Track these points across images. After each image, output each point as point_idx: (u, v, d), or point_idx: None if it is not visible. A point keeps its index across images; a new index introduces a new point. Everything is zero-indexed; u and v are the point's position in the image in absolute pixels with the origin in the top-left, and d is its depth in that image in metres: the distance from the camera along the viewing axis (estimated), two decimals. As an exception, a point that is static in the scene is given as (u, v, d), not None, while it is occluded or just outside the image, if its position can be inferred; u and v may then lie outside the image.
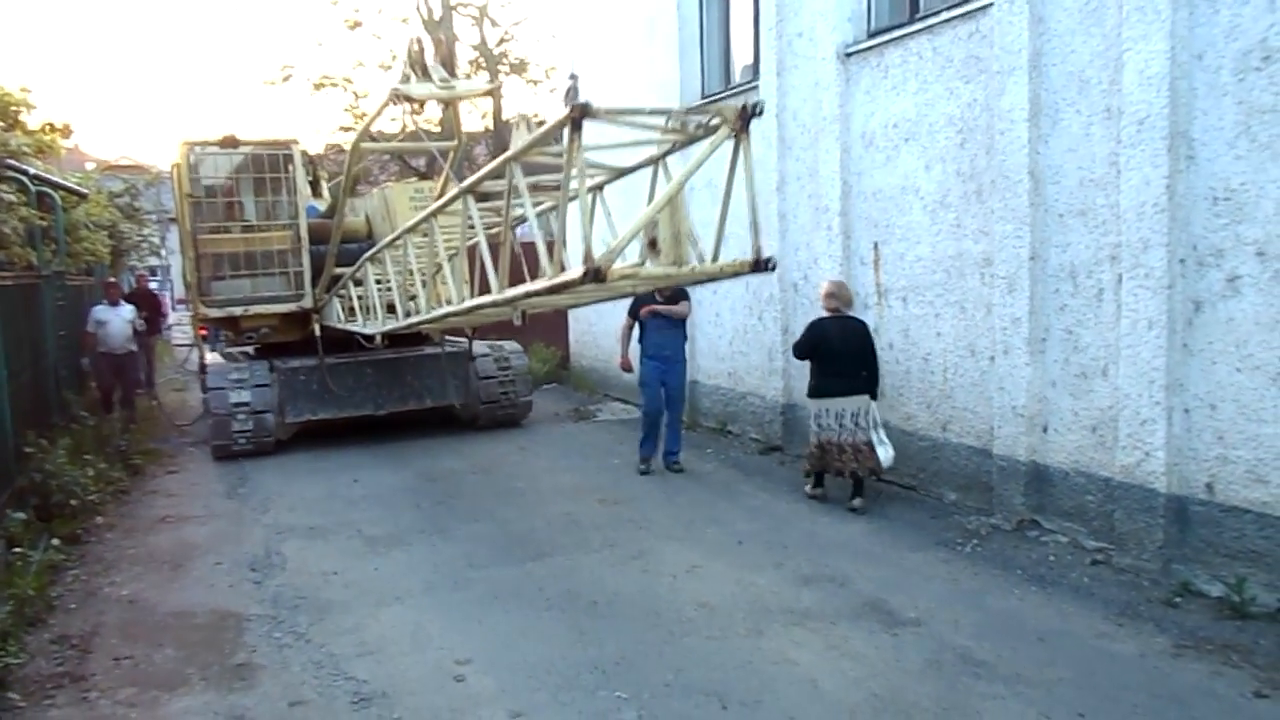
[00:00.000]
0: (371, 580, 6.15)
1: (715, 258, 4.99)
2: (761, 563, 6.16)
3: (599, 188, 6.29)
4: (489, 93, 8.22)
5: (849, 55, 8.11)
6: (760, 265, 5.04)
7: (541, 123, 4.95)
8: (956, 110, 7.06)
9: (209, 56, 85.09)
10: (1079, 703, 4.15)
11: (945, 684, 4.39)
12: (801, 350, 7.67)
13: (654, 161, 5.47)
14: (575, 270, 4.43)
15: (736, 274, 5.13)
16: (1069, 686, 4.31)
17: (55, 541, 6.71)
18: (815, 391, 7.55)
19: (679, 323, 8.82)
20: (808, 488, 7.84)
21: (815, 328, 7.57)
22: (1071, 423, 6.25)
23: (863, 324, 7.58)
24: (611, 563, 6.30)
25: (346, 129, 23.05)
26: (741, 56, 10.50)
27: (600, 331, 13.91)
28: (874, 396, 7.37)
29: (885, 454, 7.24)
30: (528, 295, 5.13)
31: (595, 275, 4.24)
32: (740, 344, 10.22)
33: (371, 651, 5.00)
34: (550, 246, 4.80)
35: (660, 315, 8.68)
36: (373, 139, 9.79)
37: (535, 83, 24.93)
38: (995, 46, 6.56)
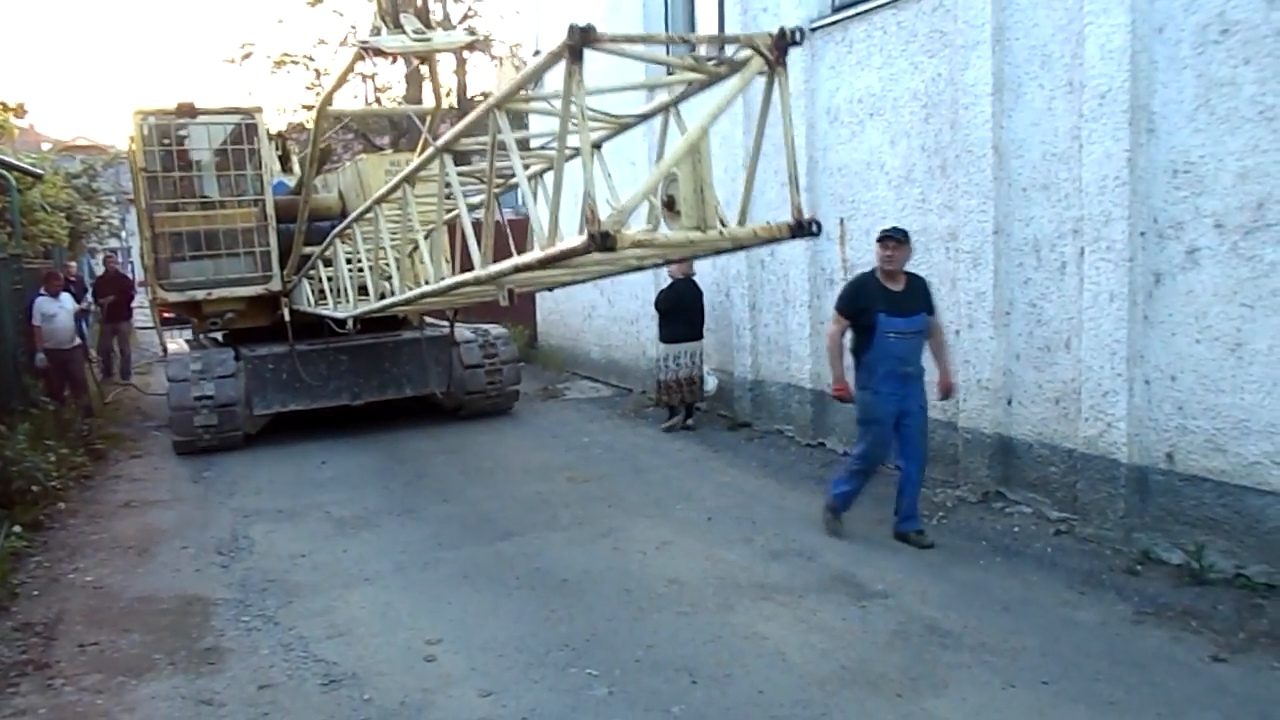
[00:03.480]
0: (340, 562, 6.11)
1: (743, 220, 4.26)
2: (731, 538, 6.19)
3: (597, 145, 5.51)
4: (470, 46, 7.26)
5: (814, 30, 8.09)
6: (802, 228, 4.16)
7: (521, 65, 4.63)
8: (921, 85, 7.07)
9: (168, 35, 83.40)
10: (1043, 670, 4.22)
11: (912, 654, 4.45)
12: (661, 305, 9.68)
13: (664, 109, 4.76)
14: (577, 238, 3.68)
15: (772, 240, 4.33)
16: (1033, 654, 4.38)
17: (17, 528, 6.61)
18: (668, 339, 9.55)
19: (923, 328, 5.87)
20: (663, 425, 9.73)
21: (673, 289, 9.54)
22: (1035, 395, 6.32)
23: (698, 287, 9.58)
24: (581, 540, 6.30)
25: (309, 107, 22.71)
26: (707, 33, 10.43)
27: (568, 310, 13.88)
28: (701, 341, 9.59)
29: (711, 384, 9.80)
30: (517, 270, 4.43)
31: (603, 242, 3.48)
32: (709, 320, 10.20)
33: (341, 633, 4.98)
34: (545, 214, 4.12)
35: (900, 315, 5.78)
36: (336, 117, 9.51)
37: (499, 60, 24.67)
38: (959, 21, 6.57)
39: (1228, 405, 5.07)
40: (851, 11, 7.69)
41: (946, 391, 6.07)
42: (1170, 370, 5.38)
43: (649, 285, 10.53)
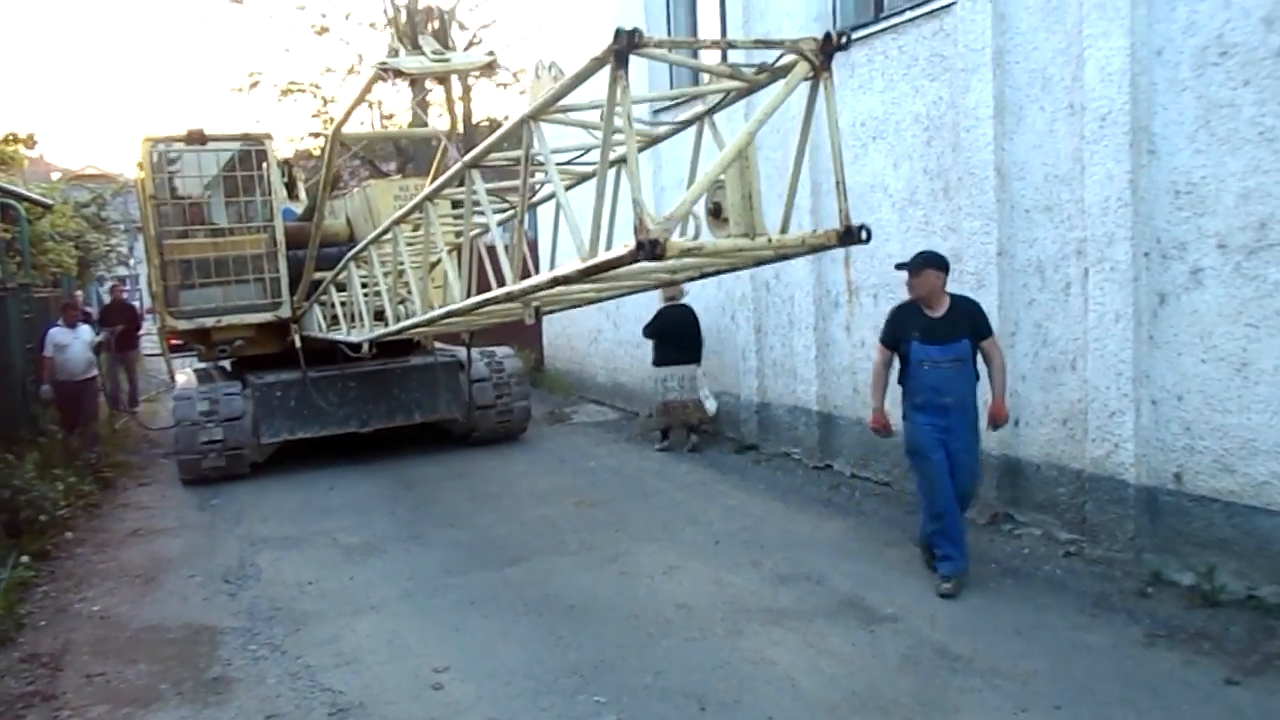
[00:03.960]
0: (348, 589, 6.11)
1: (785, 229, 4.14)
2: (739, 562, 6.18)
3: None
4: (489, 66, 7.07)
5: (816, 55, 8.13)
6: (851, 235, 4.01)
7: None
8: (923, 108, 7.11)
9: (175, 64, 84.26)
10: (1055, 695, 4.19)
11: (922, 679, 4.42)
12: (650, 331, 9.92)
13: (699, 119, 4.65)
14: (624, 246, 3.49)
15: (822, 247, 4.18)
16: (1045, 679, 4.35)
17: (24, 558, 6.62)
18: (659, 362, 9.84)
19: (964, 355, 5.50)
20: (656, 446, 9.93)
21: (661, 314, 9.76)
22: (1042, 416, 6.31)
23: (692, 310, 9.79)
24: (589, 566, 6.29)
25: (316, 135, 22.88)
26: (708, 57, 10.51)
27: (574, 333, 13.90)
28: (699, 364, 9.80)
29: (711, 406, 9.72)
30: (555, 283, 4.21)
31: (652, 250, 3.30)
32: (713, 343, 10.24)
33: (348, 661, 4.97)
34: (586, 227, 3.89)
35: (934, 343, 5.49)
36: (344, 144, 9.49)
37: (504, 86, 24.85)
38: (959, 45, 6.62)
39: (1234, 425, 5.05)
40: (853, 36, 7.74)
41: (995, 420, 5.61)
42: (1176, 390, 5.37)
43: (654, 308, 10.55)
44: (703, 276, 5.57)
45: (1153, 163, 5.41)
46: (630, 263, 3.52)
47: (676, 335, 9.77)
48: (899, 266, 5.71)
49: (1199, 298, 5.22)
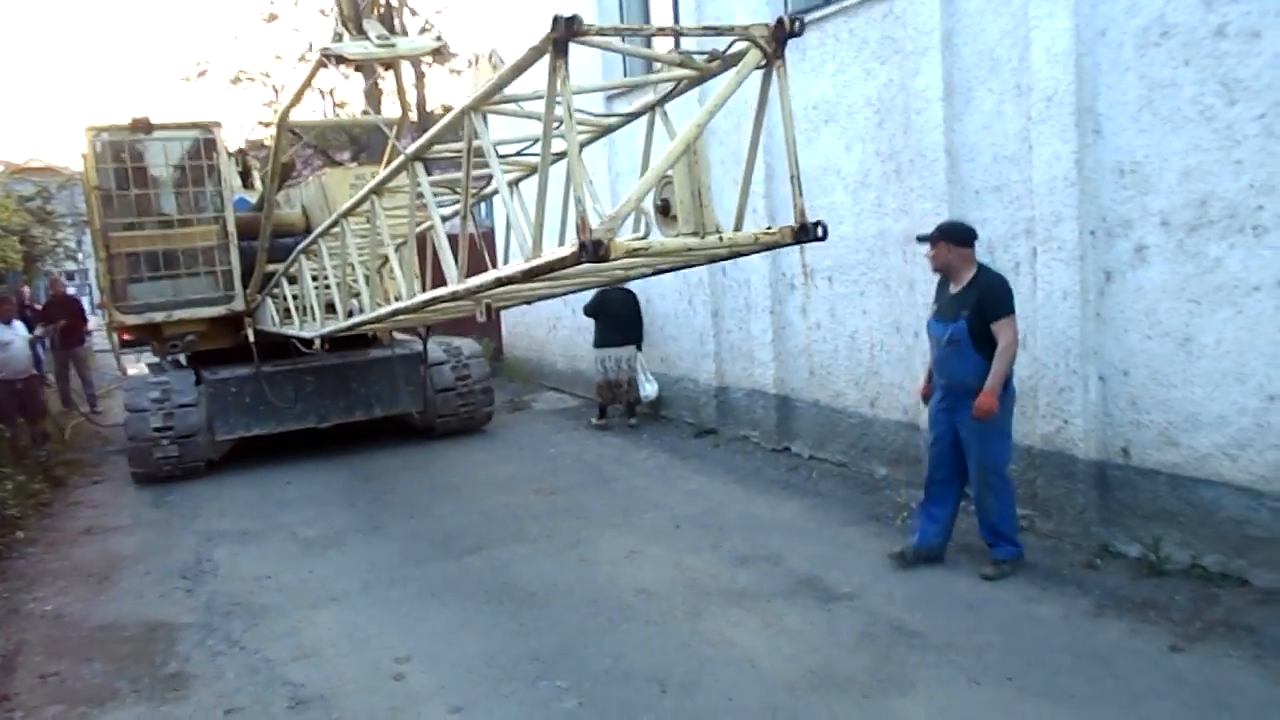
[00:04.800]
0: (307, 582, 6.06)
1: (739, 225, 4.00)
2: (698, 545, 6.22)
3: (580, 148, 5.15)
4: (438, 52, 6.96)
5: (768, 38, 8.15)
6: (807, 233, 3.87)
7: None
8: (874, 91, 7.16)
9: (121, 54, 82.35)
10: (1007, 666, 4.28)
11: (879, 655, 4.49)
12: (589, 311, 10.15)
13: (650, 109, 4.51)
14: (566, 247, 3.37)
15: (774, 245, 4.04)
16: (997, 651, 4.44)
17: (-28, 559, 6.49)
18: (598, 343, 10.18)
19: (974, 333, 5.24)
20: (593, 420, 10.46)
21: (600, 295, 9.78)
22: (994, 394, 6.40)
23: (633, 294, 10.04)
24: (549, 553, 6.30)
25: (267, 124, 22.52)
26: (661, 43, 10.48)
27: (533, 322, 13.85)
28: (639, 347, 10.18)
29: (650, 389, 10.09)
30: (499, 283, 4.09)
31: (595, 252, 3.15)
32: (671, 328, 10.27)
33: (308, 654, 4.94)
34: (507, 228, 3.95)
35: (939, 320, 5.45)
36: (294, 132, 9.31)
37: (457, 72, 24.61)
38: (908, 27, 6.67)
39: (1179, 399, 5.17)
40: (805, 20, 7.76)
41: (977, 409, 5.20)
42: (1123, 366, 5.48)
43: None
44: (658, 273, 5.52)
45: (1097, 142, 5.50)
46: (574, 264, 3.40)
47: (615, 317, 10.09)
48: (920, 239, 5.62)
49: (1143, 275, 5.33)
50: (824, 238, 4.01)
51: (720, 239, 3.84)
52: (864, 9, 7.15)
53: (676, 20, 9.54)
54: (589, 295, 10.97)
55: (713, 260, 5.02)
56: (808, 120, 7.83)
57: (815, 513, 6.78)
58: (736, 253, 4.39)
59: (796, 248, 7.41)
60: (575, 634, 4.97)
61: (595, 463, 8.82)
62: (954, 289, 5.41)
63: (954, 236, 5.39)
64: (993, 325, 5.22)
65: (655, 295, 10.39)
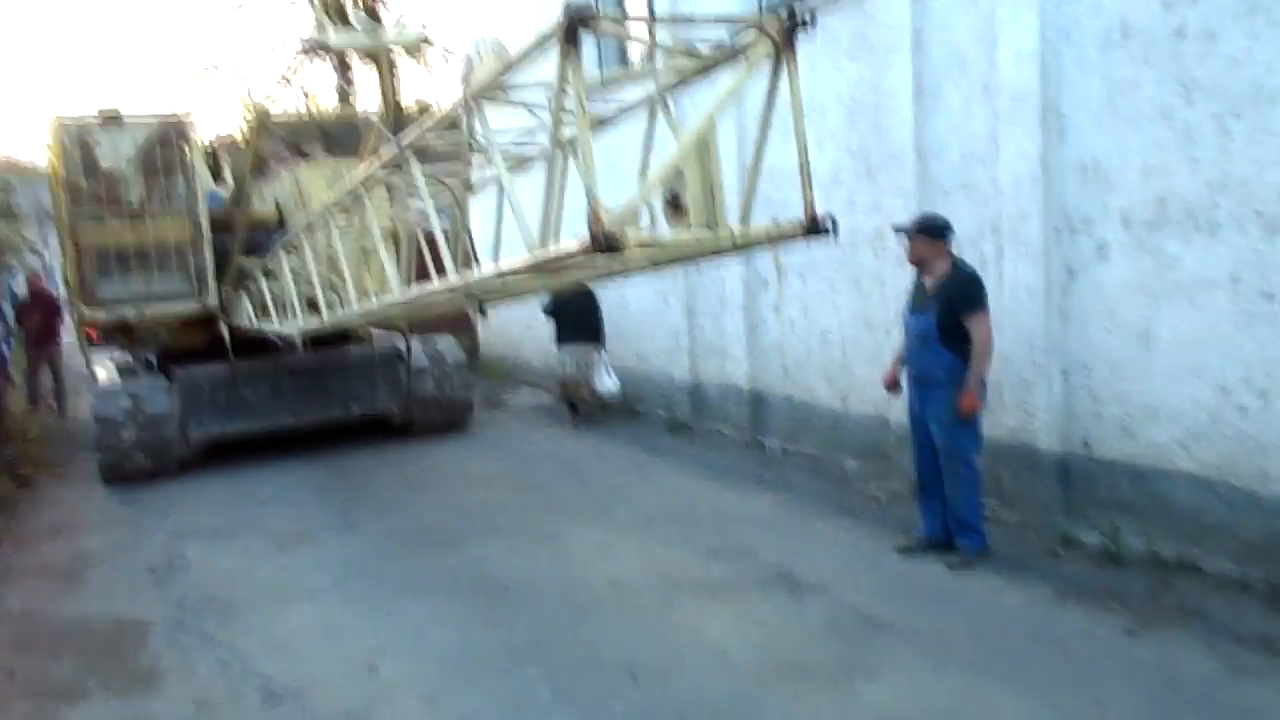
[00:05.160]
0: (280, 578, 6.06)
1: (745, 220, 3.98)
2: (671, 538, 6.28)
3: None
4: (423, 43, 6.82)
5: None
6: (818, 227, 3.88)
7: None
8: (845, 89, 7.25)
9: (87, 48, 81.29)
10: (971, 653, 4.37)
11: (846, 644, 4.57)
12: (548, 309, 10.30)
13: (653, 101, 4.45)
14: (577, 240, 3.29)
15: (784, 240, 4.03)
16: (962, 639, 4.53)
17: (-61, 558, 6.44)
18: (558, 340, 10.27)
19: (944, 327, 5.33)
20: (569, 423, 10.39)
21: (560, 294, 9.56)
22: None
23: (591, 292, 10.00)
24: (524, 547, 6.33)
25: (240, 117, 22.33)
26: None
27: (509, 318, 13.85)
28: (599, 344, 10.23)
29: (609, 385, 10.14)
30: (502, 276, 3.97)
31: (608, 244, 3.10)
32: (647, 326, 10.33)
33: (282, 649, 4.95)
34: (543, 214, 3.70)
35: (911, 313, 5.56)
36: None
37: (429, 67, 24.52)
38: (880, 24, 6.76)
39: (1137, 392, 5.29)
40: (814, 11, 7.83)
41: (960, 409, 5.28)
42: (1085, 361, 5.59)
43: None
44: (654, 266, 5.51)
45: (1061, 141, 5.61)
46: (584, 257, 3.34)
47: (573, 315, 10.18)
48: (896, 230, 5.70)
49: (1105, 272, 5.44)
50: (835, 232, 4.00)
51: (731, 234, 3.80)
52: (837, 6, 7.22)
53: (651, 14, 9.59)
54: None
55: (718, 254, 4.89)
56: (780, 117, 7.87)
57: (787, 506, 6.86)
58: (746, 247, 4.33)
59: (769, 246, 7.46)
60: (549, 626, 5.01)
61: (571, 459, 8.86)
62: (928, 282, 5.50)
63: (929, 230, 5.49)
64: (965, 320, 5.31)
65: (630, 293, 10.43)
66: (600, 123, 5.08)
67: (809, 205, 3.94)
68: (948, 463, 5.46)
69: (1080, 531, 5.60)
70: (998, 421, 6.11)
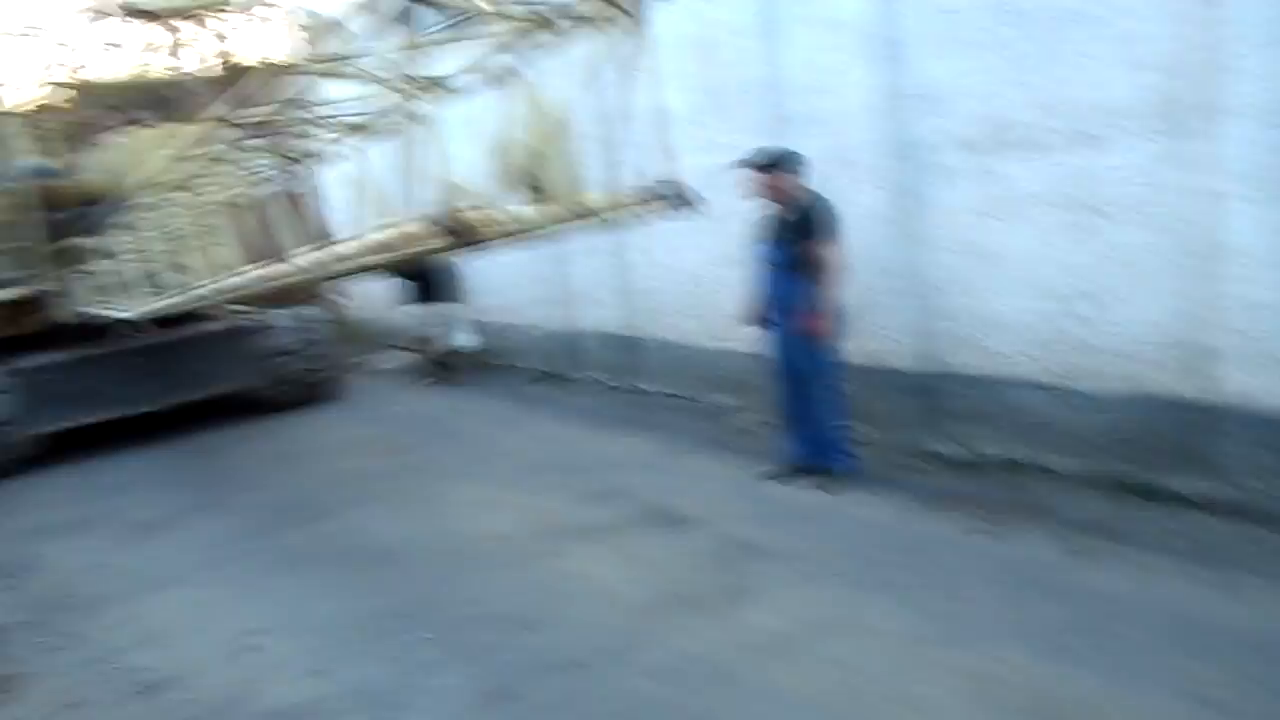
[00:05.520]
0: (146, 566, 5.80)
1: (606, 193, 3.87)
2: (552, 486, 6.30)
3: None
4: (247, 6, 6.27)
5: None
6: (684, 199, 3.79)
7: None
8: (698, 29, 7.25)
9: (-127, 12, 73.39)
10: (846, 568, 4.58)
11: (729, 571, 4.72)
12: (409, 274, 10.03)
13: (498, 71, 4.14)
14: (423, 224, 3.15)
15: (649, 212, 3.95)
16: (837, 555, 4.74)
17: None
18: (409, 299, 10.31)
19: (801, 256, 5.46)
20: (427, 382, 10.33)
21: None
22: (823, 318, 6.72)
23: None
24: (402, 510, 6.25)
25: (61, 84, 20.67)
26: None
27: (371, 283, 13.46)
28: (455, 301, 10.30)
29: (467, 341, 10.36)
30: (340, 261, 3.77)
31: (457, 230, 3.01)
32: (514, 276, 10.21)
33: (155, 638, 4.76)
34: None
35: (771, 244, 5.71)
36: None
37: (267, 20, 23.26)
38: (724, -36, 6.79)
39: (986, 309, 5.58)
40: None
41: (811, 330, 5.43)
42: (935, 282, 5.85)
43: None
44: (513, 242, 5.27)
45: (901, 71, 5.78)
46: (436, 242, 3.22)
47: (423, 272, 9.97)
48: (744, 165, 5.70)
49: (948, 195, 5.68)
50: (694, 205, 3.92)
51: (592, 209, 3.68)
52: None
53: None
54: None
55: (588, 227, 4.74)
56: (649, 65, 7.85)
57: (665, 445, 6.97)
58: (609, 222, 4.18)
59: (635, 218, 7.33)
60: (433, 586, 4.98)
61: (444, 417, 8.75)
62: (783, 214, 5.61)
63: (778, 163, 5.59)
64: (818, 248, 5.44)
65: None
66: (446, 93, 4.88)
67: (671, 178, 3.85)
68: (812, 389, 5.63)
69: (942, 444, 5.91)
70: (858, 346, 6.33)
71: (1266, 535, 4.38)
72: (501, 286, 10.50)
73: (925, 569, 4.46)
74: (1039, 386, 5.40)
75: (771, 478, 5.87)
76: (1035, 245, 5.27)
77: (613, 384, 8.91)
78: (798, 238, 5.48)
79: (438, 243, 3.26)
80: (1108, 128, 4.87)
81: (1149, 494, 4.90)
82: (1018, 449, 5.51)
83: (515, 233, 3.81)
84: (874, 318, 6.16)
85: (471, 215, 3.10)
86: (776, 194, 5.61)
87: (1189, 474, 4.82)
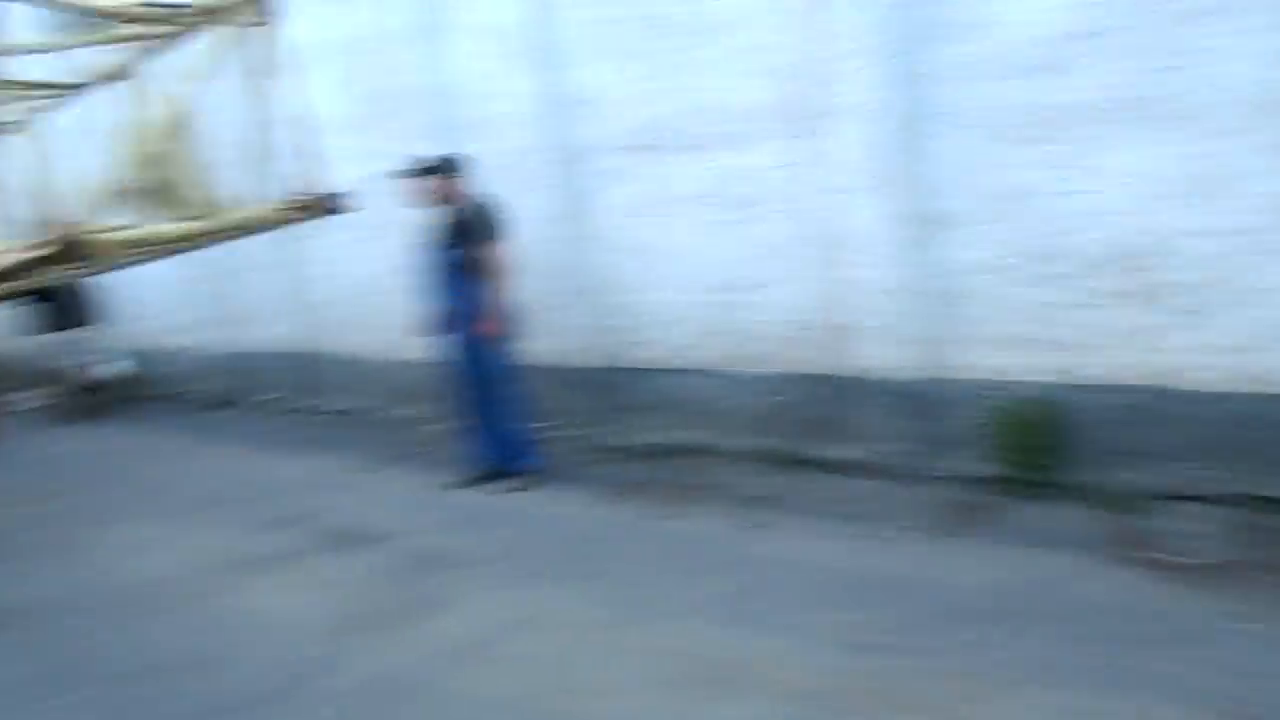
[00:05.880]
0: None
1: (250, 201, 3.61)
2: (225, 519, 5.82)
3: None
4: None
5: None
6: (324, 205, 3.55)
7: None
8: (352, 33, 7.03)
9: None
10: (533, 564, 4.61)
11: (416, 585, 4.58)
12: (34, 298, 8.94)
13: (115, 73, 3.91)
14: (33, 246, 2.81)
15: (298, 219, 3.74)
16: (526, 554, 4.76)
17: None
18: (40, 329, 9.31)
19: (468, 260, 5.42)
20: (73, 418, 9.33)
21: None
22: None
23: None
24: (51, 564, 5.48)
25: None
26: None
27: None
28: (95, 327, 9.44)
29: (114, 367, 9.60)
30: None
31: (73, 252, 2.68)
32: (171, 298, 9.37)
33: None
34: None
35: (439, 249, 5.59)
36: None
37: None
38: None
39: (650, 303, 5.88)
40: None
41: (483, 332, 5.47)
42: (607, 280, 6.07)
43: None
44: (149, 257, 4.76)
45: (564, 77, 5.94)
46: (52, 263, 2.86)
47: (55, 299, 8.96)
48: (405, 173, 5.59)
49: (614, 196, 5.91)
50: (343, 210, 3.86)
51: (231, 218, 3.48)
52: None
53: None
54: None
55: (226, 238, 4.37)
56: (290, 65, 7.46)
57: (348, 464, 6.68)
58: (255, 230, 4.01)
59: (283, 227, 6.98)
60: (88, 643, 4.40)
61: (100, 455, 7.83)
62: (451, 219, 5.55)
63: (442, 168, 5.54)
64: (487, 250, 5.44)
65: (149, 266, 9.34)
66: (59, 97, 4.39)
67: (309, 181, 3.75)
68: (494, 392, 5.63)
69: (624, 436, 6.13)
70: (539, 345, 6.43)
71: (899, 490, 4.96)
72: (163, 307, 9.60)
73: (611, 557, 4.60)
74: (707, 373, 5.76)
75: (461, 485, 5.81)
76: (694, 240, 5.62)
77: (292, 405, 8.41)
78: (467, 241, 5.45)
79: (51, 266, 2.94)
80: (748, 129, 5.30)
81: (808, 464, 5.38)
82: (693, 434, 5.84)
83: (147, 249, 3.50)
84: (553, 317, 6.27)
85: (87, 232, 2.80)
86: (443, 198, 5.55)
87: (839, 442, 5.34)
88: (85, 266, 3.34)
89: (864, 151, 4.92)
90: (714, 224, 5.51)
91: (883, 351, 5.06)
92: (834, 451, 5.32)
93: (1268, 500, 4.25)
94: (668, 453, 5.82)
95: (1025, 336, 4.67)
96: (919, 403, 5.00)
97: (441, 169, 5.56)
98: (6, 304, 5.94)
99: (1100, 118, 4.35)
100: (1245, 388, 4.25)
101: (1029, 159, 4.53)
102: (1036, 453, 4.67)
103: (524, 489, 5.61)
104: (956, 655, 3.41)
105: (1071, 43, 4.37)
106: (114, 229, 3.09)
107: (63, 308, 9.04)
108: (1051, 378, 4.64)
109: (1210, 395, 4.33)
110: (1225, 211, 4.15)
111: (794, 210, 5.23)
